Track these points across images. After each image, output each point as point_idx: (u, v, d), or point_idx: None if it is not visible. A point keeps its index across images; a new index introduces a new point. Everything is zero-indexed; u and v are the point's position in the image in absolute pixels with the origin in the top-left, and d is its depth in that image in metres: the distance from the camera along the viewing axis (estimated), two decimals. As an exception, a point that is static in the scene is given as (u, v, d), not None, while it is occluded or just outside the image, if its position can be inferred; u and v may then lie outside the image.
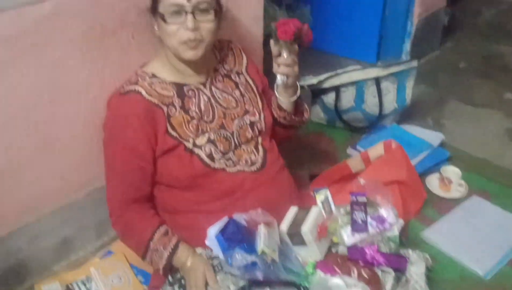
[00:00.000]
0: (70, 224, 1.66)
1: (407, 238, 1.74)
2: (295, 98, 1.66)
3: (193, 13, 1.40)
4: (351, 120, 2.40)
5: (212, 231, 1.46)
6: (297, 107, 1.71)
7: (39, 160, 1.51)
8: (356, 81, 2.31)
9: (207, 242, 1.46)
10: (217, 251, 1.46)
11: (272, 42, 1.54)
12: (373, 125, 2.37)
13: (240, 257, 1.38)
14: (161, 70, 1.53)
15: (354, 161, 1.97)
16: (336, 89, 2.33)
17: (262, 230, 1.46)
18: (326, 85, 2.33)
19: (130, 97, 1.46)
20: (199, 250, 1.51)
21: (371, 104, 2.33)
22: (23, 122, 1.44)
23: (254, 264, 1.37)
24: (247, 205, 1.53)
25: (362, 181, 1.64)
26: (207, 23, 1.44)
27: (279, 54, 1.55)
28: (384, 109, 2.33)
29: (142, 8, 1.52)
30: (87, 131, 1.59)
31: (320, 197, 1.68)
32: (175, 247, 1.48)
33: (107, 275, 1.68)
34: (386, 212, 1.58)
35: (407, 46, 2.95)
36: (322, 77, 2.32)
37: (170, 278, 1.51)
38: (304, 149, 2.34)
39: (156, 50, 1.62)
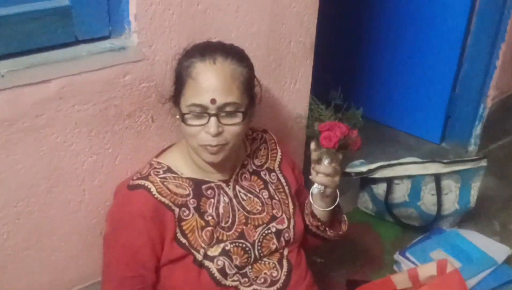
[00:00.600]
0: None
1: None
2: (332, 208, 1.40)
3: (217, 115, 1.19)
4: (403, 216, 2.10)
5: None
6: (334, 216, 1.45)
7: (29, 252, 1.32)
8: (413, 175, 2.01)
9: None
10: None
11: (312, 145, 1.30)
12: (428, 225, 2.06)
13: None
14: (179, 163, 1.32)
15: (400, 277, 1.66)
16: (389, 180, 2.04)
17: None
18: (377, 175, 2.04)
19: (138, 193, 1.25)
20: None
21: (428, 202, 2.02)
22: (13, 211, 1.26)
23: None
24: (261, 336, 1.28)
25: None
26: (233, 127, 1.22)
27: (319, 160, 1.31)
28: (443, 209, 2.01)
29: (164, 95, 1.33)
30: (89, 221, 1.39)
31: (353, 326, 1.41)
32: None
33: None
34: None
35: (478, 129, 2.61)
36: (372, 166, 2.04)
37: None
38: (345, 243, 2.05)
39: (177, 135, 1.42)
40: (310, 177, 1.33)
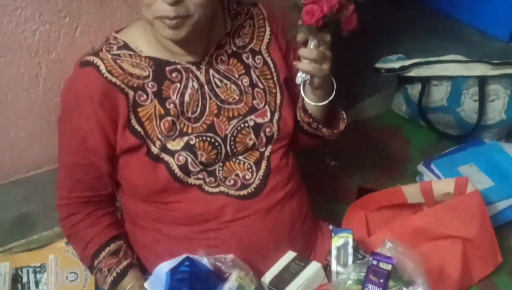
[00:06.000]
0: (30, 200, 1.38)
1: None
2: (325, 102, 1.16)
3: None
4: (439, 122, 1.81)
5: (160, 269, 1.10)
6: (330, 113, 1.22)
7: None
8: (453, 76, 1.69)
9: (146, 284, 1.10)
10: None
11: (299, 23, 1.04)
12: (467, 136, 1.76)
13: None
14: (139, 40, 1.10)
15: (410, 189, 1.46)
16: (425, 80, 1.74)
17: (232, 280, 1.06)
18: (412, 73, 1.74)
19: (85, 72, 1.07)
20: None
21: (468, 109, 1.71)
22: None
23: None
24: (222, 241, 1.13)
25: (388, 244, 1.13)
26: None
27: (306, 42, 1.06)
28: (485, 118, 1.70)
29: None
30: (49, 99, 1.26)
31: (338, 241, 1.22)
32: (122, 274, 1.15)
33: (64, 269, 1.41)
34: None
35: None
36: (407, 62, 1.73)
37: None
38: (368, 146, 1.85)
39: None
40: (294, 63, 1.09)
